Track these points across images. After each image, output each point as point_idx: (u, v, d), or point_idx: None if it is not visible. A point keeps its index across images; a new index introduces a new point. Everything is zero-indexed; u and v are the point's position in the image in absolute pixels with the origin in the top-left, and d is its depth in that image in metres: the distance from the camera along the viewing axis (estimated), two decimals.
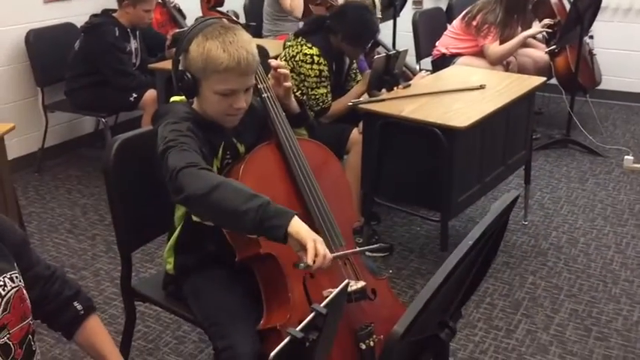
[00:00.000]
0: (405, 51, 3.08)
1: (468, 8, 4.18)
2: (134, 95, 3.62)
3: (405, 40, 4.52)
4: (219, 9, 1.97)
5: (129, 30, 3.66)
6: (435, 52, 4.38)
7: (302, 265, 1.42)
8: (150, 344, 2.38)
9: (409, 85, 2.96)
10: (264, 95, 1.75)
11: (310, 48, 2.90)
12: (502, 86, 2.98)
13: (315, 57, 2.88)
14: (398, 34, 4.99)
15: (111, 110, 3.76)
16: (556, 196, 3.67)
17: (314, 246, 1.41)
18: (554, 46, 4.07)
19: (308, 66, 2.90)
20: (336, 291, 1.11)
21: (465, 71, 3.32)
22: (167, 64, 3.49)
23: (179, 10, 4.27)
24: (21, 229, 2.63)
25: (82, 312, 1.48)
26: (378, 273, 1.86)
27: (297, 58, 2.92)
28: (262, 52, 3.04)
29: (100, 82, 3.60)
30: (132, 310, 1.90)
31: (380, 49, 3.64)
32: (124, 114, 4.02)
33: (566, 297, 2.72)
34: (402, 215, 3.35)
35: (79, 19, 3.83)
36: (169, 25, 4.19)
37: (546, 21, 4.22)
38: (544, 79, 3.13)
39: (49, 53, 3.74)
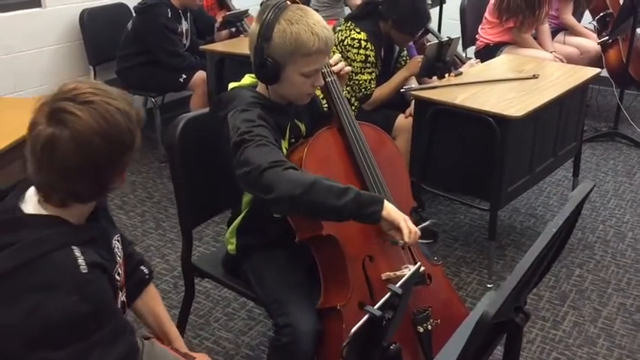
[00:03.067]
0: (458, 38, 3.06)
1: None
2: (184, 76, 3.68)
3: (451, 28, 4.49)
4: None
5: (180, 11, 3.71)
6: (478, 42, 4.34)
7: (400, 242, 1.55)
8: (201, 319, 2.45)
9: (460, 73, 2.95)
10: (328, 79, 1.77)
11: (358, 33, 2.90)
12: (555, 77, 2.94)
13: (362, 42, 2.89)
14: (443, 21, 4.96)
15: (160, 90, 3.82)
16: (603, 189, 3.62)
17: (406, 225, 1.52)
18: (606, 38, 3.99)
19: (355, 50, 2.90)
20: (410, 272, 1.14)
21: (516, 60, 3.29)
22: (218, 47, 3.54)
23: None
24: None
25: (148, 276, 1.53)
26: (432, 259, 1.88)
27: (345, 43, 2.93)
28: None
29: (151, 62, 3.65)
30: (191, 285, 1.95)
31: (429, 36, 3.63)
32: (171, 94, 4.08)
33: (614, 291, 2.69)
34: (446, 203, 3.35)
35: (132, 0, 3.89)
36: (217, 8, 4.22)
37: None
38: (598, 70, 3.08)
39: (101, 32, 3.81)
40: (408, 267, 1.68)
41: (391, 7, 2.94)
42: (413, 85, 2.79)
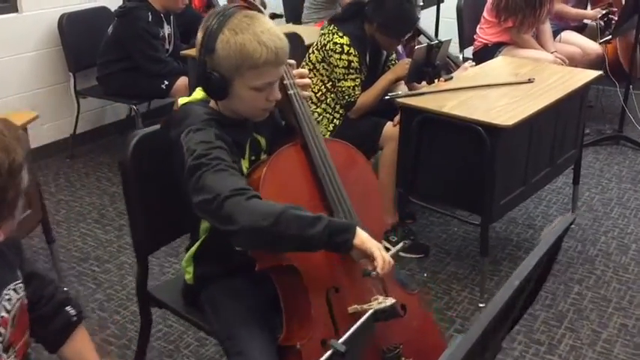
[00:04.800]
0: (449, 41, 2.89)
1: None
2: (166, 82, 3.53)
3: (449, 28, 4.31)
4: None
5: (162, 15, 3.56)
6: (476, 42, 4.16)
7: (373, 273, 1.42)
8: (170, 345, 2.30)
9: (451, 78, 2.78)
10: (291, 92, 1.61)
11: (341, 37, 2.74)
12: (552, 80, 2.77)
13: (345, 46, 2.72)
14: (441, 20, 4.78)
15: (142, 97, 3.68)
16: (606, 197, 3.44)
17: (380, 254, 1.40)
18: (609, 37, 3.81)
19: (337, 56, 2.74)
20: (356, 325, 0.98)
21: (512, 63, 3.12)
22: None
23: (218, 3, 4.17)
24: (47, 219, 2.59)
25: (75, 318, 1.38)
26: (409, 285, 1.71)
27: (327, 47, 2.77)
28: (295, 40, 2.92)
29: (132, 69, 3.51)
30: (147, 316, 1.80)
31: (421, 38, 3.46)
32: (156, 101, 3.94)
33: (615, 310, 2.52)
34: (439, 214, 3.18)
35: (115, 3, 3.76)
36: (206, 11, 4.08)
37: (595, 13, 3.96)
38: (598, 72, 2.90)
39: (81, 38, 3.68)
40: (378, 298, 1.52)
41: (376, 10, 2.77)
42: (400, 92, 2.62)
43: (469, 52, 4.27)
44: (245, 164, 1.58)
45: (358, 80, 2.81)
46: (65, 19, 3.64)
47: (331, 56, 2.77)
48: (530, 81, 2.73)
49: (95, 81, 3.69)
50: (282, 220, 1.34)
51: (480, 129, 2.31)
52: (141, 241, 1.73)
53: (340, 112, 2.88)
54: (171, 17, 3.65)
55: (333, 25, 2.81)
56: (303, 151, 1.58)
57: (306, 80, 1.69)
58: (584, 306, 2.54)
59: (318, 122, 2.88)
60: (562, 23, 4.30)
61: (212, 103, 1.58)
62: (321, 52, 2.82)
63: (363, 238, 1.40)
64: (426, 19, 5.06)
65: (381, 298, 1.52)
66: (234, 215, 1.34)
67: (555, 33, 4.24)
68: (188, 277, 1.68)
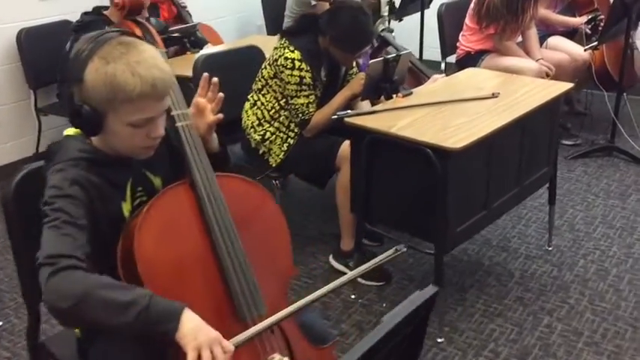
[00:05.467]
0: (408, 53, 2.71)
1: None
2: None
3: (435, 36, 4.11)
4: (138, 18, 1.65)
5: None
6: (458, 50, 3.96)
7: None
8: None
9: (410, 94, 2.59)
10: (179, 124, 1.45)
11: (292, 51, 2.57)
12: (519, 94, 2.57)
13: (296, 62, 2.55)
14: (426, 27, 4.59)
15: None
16: (590, 215, 3.22)
17: (209, 355, 1.18)
18: (595, 43, 3.58)
19: (288, 72, 2.57)
20: None
21: (481, 75, 2.91)
22: None
23: (189, 14, 4.02)
24: None
25: None
26: (322, 339, 1.53)
27: (278, 62, 2.60)
28: (255, 54, 2.73)
29: None
30: None
31: (390, 49, 3.28)
32: None
33: (586, 345, 2.31)
34: (406, 236, 2.99)
35: (76, 17, 3.62)
36: (176, 25, 3.91)
37: (581, 20, 3.74)
38: (570, 85, 2.69)
39: (42, 53, 3.55)
40: (274, 357, 1.35)
41: (330, 23, 2.60)
42: (350, 111, 2.43)
43: (451, 60, 4.09)
44: (127, 208, 1.41)
45: (312, 97, 2.64)
46: (24, 35, 3.52)
47: (282, 72, 2.60)
48: (494, 95, 2.53)
49: (56, 98, 3.56)
50: (84, 304, 1.16)
51: (429, 152, 2.12)
52: (29, 291, 1.57)
53: (295, 130, 2.71)
54: None
55: (284, 39, 2.65)
56: (191, 191, 1.41)
57: (218, 116, 1.52)
58: (552, 341, 2.34)
59: (271, 142, 2.71)
60: (549, 29, 4.08)
61: (93, 138, 1.43)
62: (272, 68, 2.65)
63: (190, 329, 1.18)
64: (408, 27, 4.89)
65: (277, 358, 1.35)
66: (42, 285, 1.19)
67: (542, 39, 4.02)
68: (77, 330, 1.53)
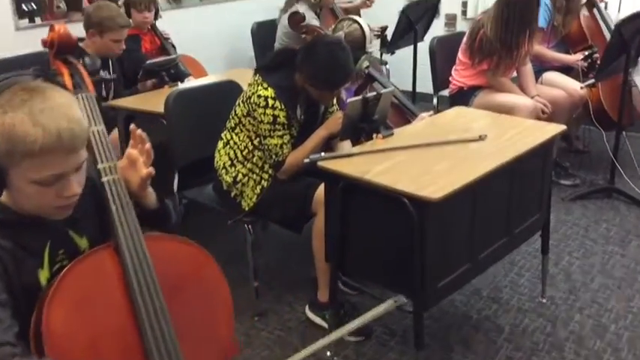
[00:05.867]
0: (390, 91, 2.55)
1: (470, 28, 3.60)
2: None
3: (428, 69, 3.97)
4: (69, 58, 1.50)
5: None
6: (451, 85, 3.81)
7: None
8: None
9: (391, 135, 2.42)
10: (105, 179, 1.27)
11: (265, 89, 2.41)
12: (508, 136, 2.39)
13: (269, 100, 2.40)
14: (420, 59, 4.45)
15: None
16: (588, 263, 3.01)
17: None
18: (591, 81, 3.41)
19: (261, 110, 2.41)
20: None
21: (469, 115, 2.74)
22: (124, 102, 3.09)
23: (173, 46, 3.89)
24: None
25: None
26: None
27: (251, 100, 2.44)
28: (232, 88, 2.57)
29: None
30: None
31: (376, 85, 3.13)
32: None
33: None
34: (386, 291, 2.79)
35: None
36: (159, 57, 3.77)
37: (577, 57, 3.58)
38: (562, 127, 2.52)
39: None
40: None
41: (306, 58, 2.45)
42: (324, 154, 2.25)
43: (443, 96, 3.94)
44: (44, 276, 1.23)
45: (286, 137, 2.47)
46: None
47: (255, 110, 2.44)
48: (481, 138, 2.36)
49: None
50: None
51: (406, 201, 1.94)
52: None
53: (269, 172, 2.54)
54: (110, 62, 3.38)
55: (258, 76, 2.49)
56: (116, 255, 1.24)
57: (148, 170, 1.35)
58: None
59: (244, 184, 2.54)
60: (544, 64, 3.92)
61: (2, 196, 1.25)
62: (246, 106, 2.50)
63: None
64: (401, 61, 4.77)
65: None
66: None
67: (537, 74, 3.87)
68: None
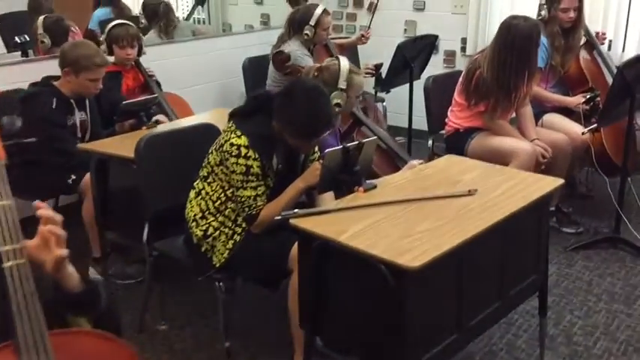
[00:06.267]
0: (374, 140, 2.37)
1: (466, 68, 3.43)
2: (73, 177, 3.08)
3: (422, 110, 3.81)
4: None
5: (72, 101, 3.14)
6: (447, 127, 3.63)
7: None
8: None
9: (374, 187, 2.24)
10: (7, 265, 1.09)
11: (239, 137, 2.24)
12: (500, 191, 2.21)
13: (242, 149, 2.22)
14: (417, 96, 4.27)
15: (46, 193, 3.20)
16: (591, 323, 2.79)
17: None
18: (593, 126, 3.22)
19: (233, 159, 2.23)
20: None
21: (460, 164, 2.55)
22: (96, 145, 2.92)
23: (157, 83, 3.75)
24: None
25: None
26: None
27: (224, 148, 2.27)
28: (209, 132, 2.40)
29: (35, 161, 3.06)
30: None
31: (364, 129, 2.96)
32: (67, 197, 3.44)
33: None
34: None
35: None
36: (140, 95, 3.61)
37: (577, 100, 3.41)
38: (560, 181, 2.33)
39: None
40: None
41: (284, 104, 2.28)
42: (298, 210, 2.06)
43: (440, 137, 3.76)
44: None
45: (261, 189, 2.29)
46: None
47: (227, 159, 2.26)
48: (470, 193, 2.17)
49: None
50: None
51: (383, 268, 1.75)
52: None
53: (242, 225, 2.35)
54: (87, 102, 3.22)
55: (232, 122, 2.33)
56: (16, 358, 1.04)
57: (61, 252, 1.17)
58: None
59: (215, 238, 2.35)
60: (545, 105, 3.75)
61: None
62: (219, 154, 2.32)
63: None
64: (396, 98, 4.61)
65: None
66: None
67: (537, 116, 3.69)
68: None
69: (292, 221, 1.98)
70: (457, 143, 3.58)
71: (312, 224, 1.97)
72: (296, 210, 2.05)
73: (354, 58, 5.11)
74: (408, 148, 4.21)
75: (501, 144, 3.39)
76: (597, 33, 3.87)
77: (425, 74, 4.16)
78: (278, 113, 2.29)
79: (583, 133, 3.26)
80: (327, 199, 2.39)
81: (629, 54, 4.27)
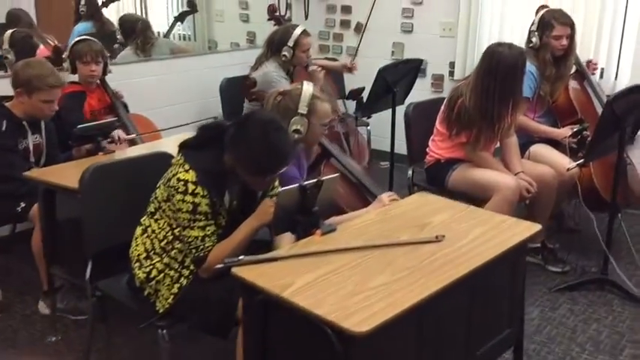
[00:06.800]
0: (335, 178, 2.17)
1: (448, 96, 3.25)
2: (22, 204, 2.88)
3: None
4: None
5: (25, 123, 2.95)
6: (428, 157, 3.44)
7: None
8: None
9: (332, 230, 2.04)
10: None
11: (187, 171, 2.04)
12: (471, 237, 2.01)
13: (189, 185, 2.02)
14: (399, 126, 4.08)
15: None
16: None
17: None
18: (580, 161, 3.03)
19: (180, 196, 2.03)
20: None
21: (432, 204, 2.34)
22: (42, 174, 2.73)
23: (124, 105, 3.56)
24: None
25: None
26: None
27: (171, 183, 2.07)
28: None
29: None
30: None
31: (333, 161, 2.77)
32: (24, 224, 3.24)
33: None
34: None
35: None
36: (105, 117, 3.41)
37: (565, 132, 3.23)
38: (538, 227, 2.12)
39: None
40: None
41: (237, 137, 2.08)
42: (243, 257, 1.86)
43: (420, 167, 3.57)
44: None
45: (210, 229, 2.09)
46: None
47: (174, 195, 2.06)
48: (437, 239, 1.97)
49: None
50: None
51: (329, 331, 1.55)
52: None
53: (190, 268, 2.14)
54: (42, 124, 3.03)
55: (180, 155, 2.13)
56: None
57: None
58: None
59: (159, 281, 2.15)
60: (532, 135, 3.56)
61: None
62: (166, 189, 2.12)
63: None
64: (377, 126, 4.42)
65: None
66: None
67: (524, 147, 3.50)
68: None
69: (234, 270, 1.78)
70: (438, 174, 3.40)
71: (256, 274, 1.77)
72: (240, 257, 1.84)
73: (339, 82, 4.95)
74: (390, 176, 4.03)
75: (483, 177, 3.20)
76: (588, 62, 3.70)
77: (411, 98, 3.97)
78: (230, 147, 2.09)
79: (568, 169, 3.06)
80: (286, 240, 2.19)
81: (622, 82, 4.10)
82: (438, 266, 1.82)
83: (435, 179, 3.43)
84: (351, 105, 4.73)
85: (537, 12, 3.62)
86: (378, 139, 4.83)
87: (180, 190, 2.04)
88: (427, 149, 3.48)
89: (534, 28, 3.56)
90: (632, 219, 3.92)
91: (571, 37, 3.51)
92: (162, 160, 2.53)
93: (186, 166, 2.07)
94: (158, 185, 2.19)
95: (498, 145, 3.40)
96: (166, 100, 4.39)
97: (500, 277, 2.02)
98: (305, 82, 2.52)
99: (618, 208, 3.30)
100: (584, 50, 4.10)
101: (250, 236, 2.11)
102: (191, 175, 2.04)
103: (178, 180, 2.05)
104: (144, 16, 5.19)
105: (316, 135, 2.56)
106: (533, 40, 3.54)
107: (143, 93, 4.19)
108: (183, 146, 2.16)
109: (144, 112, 3.85)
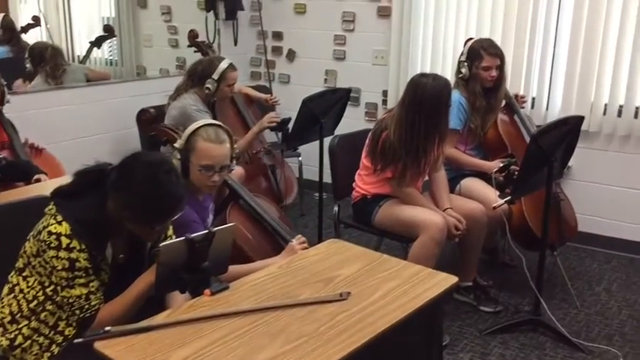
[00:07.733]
0: (229, 228, 1.93)
1: (373, 129, 3.08)
2: None
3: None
4: None
5: None
6: (354, 192, 3.25)
7: None
8: None
9: (225, 289, 1.80)
10: None
11: (59, 223, 1.78)
12: (380, 293, 1.80)
13: (62, 239, 1.75)
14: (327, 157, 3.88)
15: None
16: None
17: None
18: (507, 198, 2.88)
19: (52, 252, 1.76)
20: None
21: (346, 252, 2.11)
22: None
23: (12, 125, 3.25)
24: None
25: None
26: None
27: (42, 237, 1.80)
28: None
29: None
30: None
31: (243, 204, 2.53)
32: None
33: None
34: None
35: None
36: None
37: (495, 164, 3.09)
38: (454, 279, 1.93)
39: None
40: None
41: (118, 184, 1.83)
42: (111, 327, 1.60)
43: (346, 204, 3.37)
44: None
45: (94, 284, 1.82)
46: None
47: (45, 251, 1.79)
48: (342, 297, 1.75)
49: None
50: None
51: None
52: None
53: (65, 333, 1.86)
54: None
55: (52, 204, 1.86)
56: None
57: None
58: None
59: (25, 350, 1.86)
60: (464, 168, 3.42)
61: None
62: (36, 243, 1.84)
63: None
64: (312, 153, 4.22)
65: None
66: None
67: (454, 180, 3.35)
68: None
69: (97, 345, 1.52)
70: (364, 211, 3.21)
71: (124, 349, 1.51)
72: (108, 327, 1.58)
73: (266, 111, 4.73)
74: (319, 210, 3.81)
75: (409, 215, 3.02)
76: (516, 95, 3.59)
77: (343, 127, 3.79)
78: (113, 193, 1.83)
79: (494, 207, 2.91)
80: (178, 298, 1.94)
81: (554, 112, 4.03)
82: (338, 331, 1.60)
83: (362, 216, 3.23)
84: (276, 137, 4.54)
85: (466, 43, 3.51)
86: (310, 169, 4.63)
87: (52, 245, 1.76)
88: (354, 184, 3.29)
89: (463, 58, 3.44)
90: (568, 251, 3.82)
91: (500, 69, 3.40)
92: (44, 206, 2.25)
93: (59, 217, 1.80)
94: (28, 237, 1.91)
95: (427, 178, 3.25)
96: (78, 132, 4.08)
97: (414, 336, 1.81)
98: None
99: (551, 247, 3.17)
100: (515, 83, 4.02)
101: (146, 292, 1.84)
102: (64, 228, 1.77)
103: (50, 233, 1.78)
104: (67, 40, 4.91)
105: (197, 178, 2.30)
106: (463, 70, 3.42)
107: (52, 124, 3.89)
108: (56, 194, 1.88)
109: (52, 144, 3.56)
